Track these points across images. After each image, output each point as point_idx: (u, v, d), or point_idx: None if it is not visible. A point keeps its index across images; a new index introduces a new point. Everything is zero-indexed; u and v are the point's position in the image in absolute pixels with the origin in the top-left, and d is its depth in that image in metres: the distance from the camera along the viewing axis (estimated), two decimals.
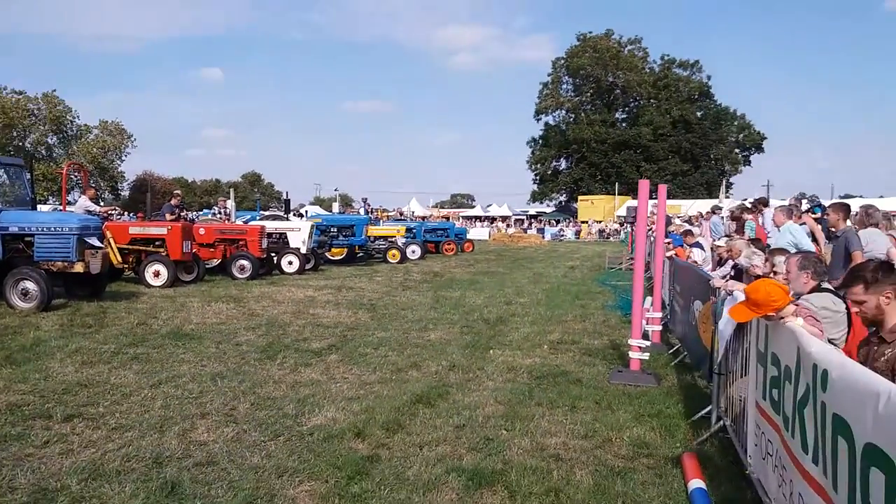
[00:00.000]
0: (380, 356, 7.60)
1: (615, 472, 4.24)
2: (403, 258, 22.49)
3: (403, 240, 24.17)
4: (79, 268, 10.86)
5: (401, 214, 36.86)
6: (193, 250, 14.96)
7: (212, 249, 16.26)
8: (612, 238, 48.66)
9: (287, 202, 22.71)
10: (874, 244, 7.21)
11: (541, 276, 18.31)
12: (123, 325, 9.27)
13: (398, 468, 4.27)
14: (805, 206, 12.62)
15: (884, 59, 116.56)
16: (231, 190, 24.94)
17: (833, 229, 7.84)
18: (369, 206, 28.10)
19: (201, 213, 26.49)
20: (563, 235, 53.03)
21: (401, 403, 5.64)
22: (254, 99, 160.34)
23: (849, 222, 7.77)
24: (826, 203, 11.41)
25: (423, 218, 41.20)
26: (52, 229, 10.89)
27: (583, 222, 57.45)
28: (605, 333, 9.35)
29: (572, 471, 4.26)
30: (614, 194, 57.55)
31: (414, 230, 26.94)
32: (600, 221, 55.97)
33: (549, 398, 5.94)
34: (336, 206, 32.49)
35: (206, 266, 15.76)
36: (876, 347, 3.18)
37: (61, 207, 18.36)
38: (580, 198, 63.47)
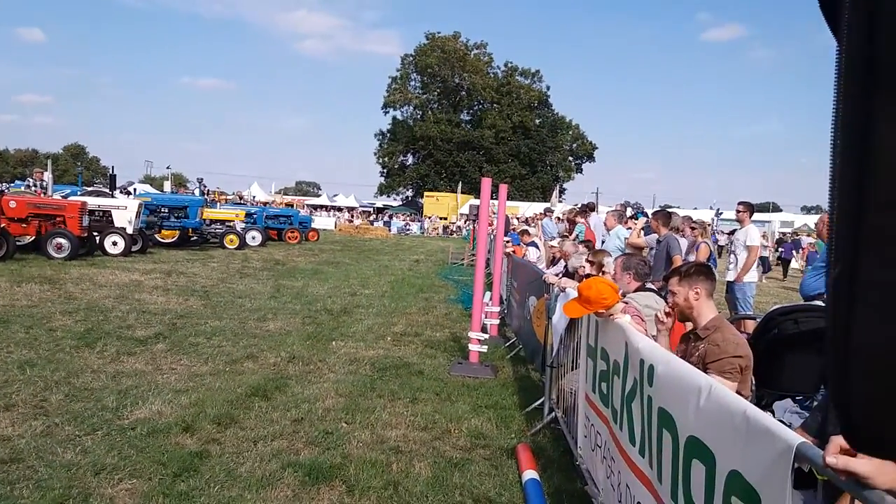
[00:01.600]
0: (213, 346, 7.22)
1: (453, 463, 4.31)
2: (242, 244, 21.61)
3: (243, 225, 23.21)
4: None
5: (240, 198, 35.42)
6: (2, 225, 13.43)
7: (24, 225, 14.67)
8: (455, 234, 49.84)
9: (113, 178, 20.97)
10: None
11: (386, 269, 18.33)
12: None
13: (230, 464, 4.06)
14: (629, 212, 13.61)
15: (702, 83, 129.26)
16: (49, 161, 22.69)
17: (656, 235, 8.50)
18: (205, 187, 26.58)
19: (13, 184, 23.81)
20: (408, 230, 53.57)
21: (234, 396, 5.39)
22: (80, 65, 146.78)
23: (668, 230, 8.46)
24: (649, 212, 12.37)
25: (266, 203, 39.87)
26: None
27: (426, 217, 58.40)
28: (447, 326, 9.52)
29: (411, 463, 4.27)
30: (458, 192, 59.04)
31: (255, 215, 25.93)
32: (444, 218, 57.18)
33: (390, 390, 5.93)
34: (168, 185, 30.58)
35: (17, 243, 14.19)
36: (693, 343, 3.46)
37: None
38: (426, 194, 64.44)
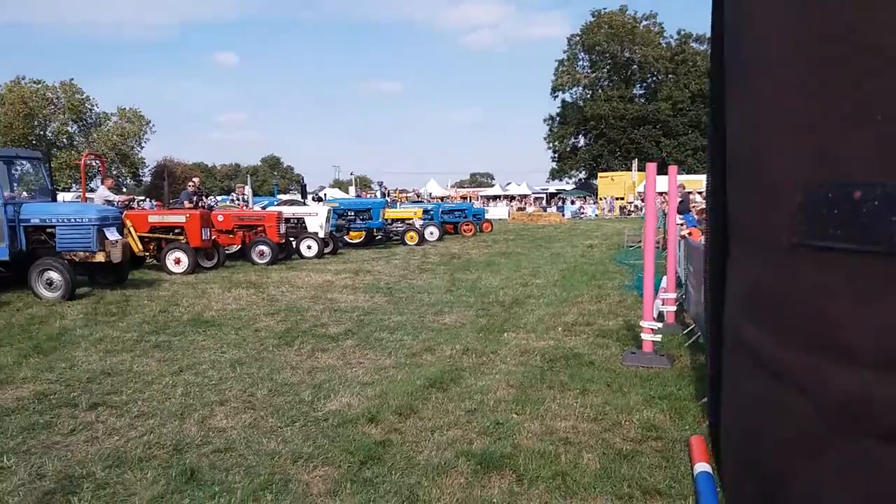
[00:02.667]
0: (395, 340, 7.72)
1: (623, 455, 4.32)
2: (421, 240, 22.61)
3: (421, 221, 24.26)
4: (100, 257, 11.10)
5: (418, 196, 36.91)
6: (213, 237, 15.17)
7: (231, 236, 16.48)
8: (633, 215, 48.37)
9: (304, 187, 22.85)
10: None
11: (558, 256, 18.32)
12: (146, 313, 9.48)
13: (409, 453, 4.38)
14: None
15: None
16: (249, 176, 25.12)
17: None
18: (386, 188, 28.20)
19: (220, 198, 26.71)
20: (583, 213, 52.83)
21: (414, 388, 5.75)
22: (270, 82, 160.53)
23: None
24: None
25: (442, 199, 41.20)
26: (73, 220, 11.12)
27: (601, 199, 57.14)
28: (621, 314, 9.38)
29: (580, 454, 4.35)
30: (633, 170, 57.14)
31: (431, 212, 27.00)
32: (620, 198, 55.66)
33: (560, 381, 6.02)
34: (352, 190, 32.62)
35: (226, 252, 15.97)
36: None
37: (81, 196, 18.65)
38: (600, 174, 63.11)
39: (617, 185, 58.68)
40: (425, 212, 26.08)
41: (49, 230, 11.20)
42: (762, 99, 0.44)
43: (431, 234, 24.31)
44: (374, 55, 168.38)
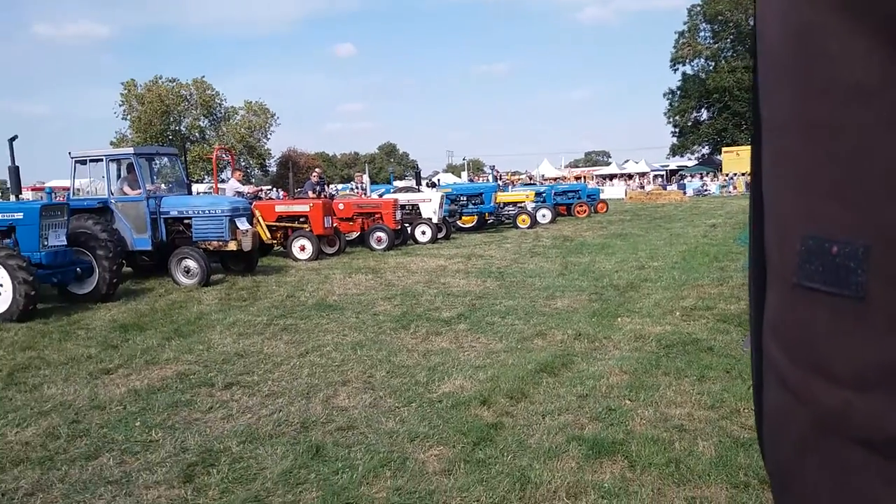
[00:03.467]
0: (506, 325, 7.82)
1: (740, 443, 4.22)
2: (534, 223, 22.53)
3: (533, 204, 24.16)
4: (232, 246, 11.89)
5: (530, 178, 36.67)
6: (334, 225, 15.84)
7: (351, 223, 17.14)
8: None
9: (418, 173, 23.34)
10: None
11: (678, 237, 17.74)
12: (274, 298, 10.09)
13: (521, 436, 4.48)
14: None
15: None
16: (367, 164, 25.92)
17: None
18: (498, 172, 28.26)
19: (340, 187, 27.76)
20: (706, 190, 50.63)
21: (525, 372, 5.83)
22: (385, 71, 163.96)
23: None
24: None
25: (555, 180, 40.73)
26: (207, 212, 11.96)
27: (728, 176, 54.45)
28: (743, 298, 9.00)
29: (695, 441, 4.28)
30: None
31: (544, 194, 26.81)
32: (746, 174, 52.84)
33: (676, 367, 5.90)
34: (465, 174, 32.92)
35: (347, 239, 16.64)
36: None
37: (213, 188, 19.96)
38: (724, 150, 60.12)
39: (743, 160, 55.57)
40: (537, 194, 25.94)
41: (186, 221, 12.11)
42: (777, 156, 0.53)
43: (544, 216, 24.15)
44: (485, 38, 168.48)
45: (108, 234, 10.60)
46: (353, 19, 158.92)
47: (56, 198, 13.13)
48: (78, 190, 12.73)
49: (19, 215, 9.52)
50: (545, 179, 39.62)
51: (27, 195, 29.73)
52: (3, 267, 8.73)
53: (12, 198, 11.24)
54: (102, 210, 11.74)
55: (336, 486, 3.85)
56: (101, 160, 12.16)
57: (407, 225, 18.15)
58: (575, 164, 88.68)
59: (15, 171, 10.54)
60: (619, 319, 7.91)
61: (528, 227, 22.05)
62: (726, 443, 4.25)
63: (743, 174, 52.46)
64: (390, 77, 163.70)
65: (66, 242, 9.81)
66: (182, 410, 5.20)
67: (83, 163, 12.37)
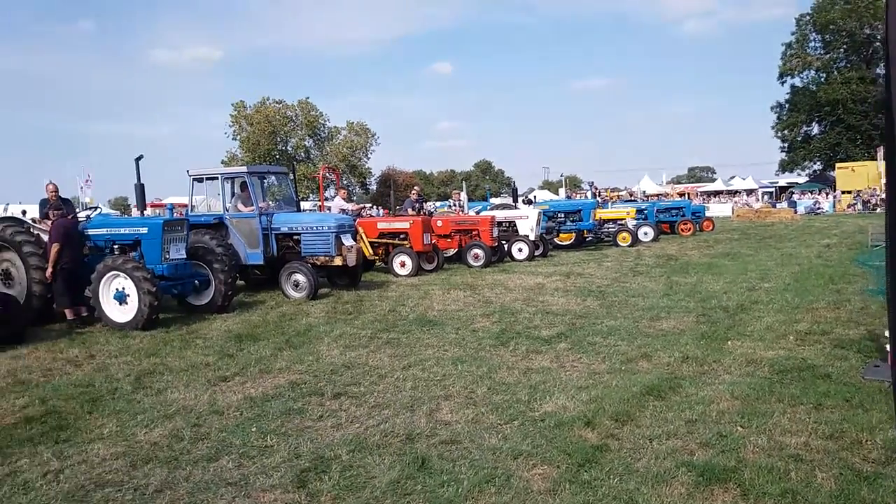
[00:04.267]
0: (609, 345, 7.70)
1: (863, 476, 3.99)
2: (635, 241, 22.07)
3: (634, 221, 23.68)
4: (338, 261, 12.31)
5: (630, 195, 35.94)
6: (433, 241, 16.09)
7: (449, 240, 17.37)
8: (878, 209, 43.03)
9: (515, 190, 23.37)
10: None
11: (790, 257, 16.90)
12: (377, 312, 10.35)
13: (627, 459, 4.40)
14: None
15: None
16: (464, 182, 26.19)
17: None
18: (596, 188, 27.88)
19: (438, 205, 28.18)
20: (819, 209, 48.00)
21: (630, 395, 5.72)
22: (482, 88, 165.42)
23: None
24: None
25: (657, 196, 39.74)
26: (315, 228, 12.45)
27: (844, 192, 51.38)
28: (863, 322, 8.49)
29: (813, 473, 4.08)
30: (878, 159, 50.65)
31: (645, 211, 26.23)
32: (863, 191, 49.70)
33: (791, 394, 5.64)
34: (562, 191, 32.63)
35: (445, 255, 16.86)
36: None
37: (320, 206, 20.71)
38: (838, 165, 56.79)
39: (859, 176, 52.36)
40: (639, 211, 25.42)
41: (295, 237, 12.64)
42: None
43: (645, 234, 23.61)
44: (583, 53, 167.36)
45: (224, 249, 11.23)
46: (451, 38, 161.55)
47: (175, 214, 14.01)
48: (193, 206, 13.52)
49: (144, 230, 10.22)
50: (646, 196, 38.74)
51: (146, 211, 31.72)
52: (129, 278, 9.40)
53: (134, 212, 12.09)
54: (218, 225, 12.45)
55: (442, 498, 3.92)
56: (217, 178, 12.90)
57: (504, 242, 18.20)
58: (677, 181, 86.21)
59: (141, 189, 11.35)
60: (728, 343, 7.63)
61: (629, 246, 21.61)
62: (847, 476, 4.03)
63: (860, 191, 49.37)
64: (486, 95, 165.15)
65: (185, 256, 10.46)
66: (294, 418, 5.43)
67: (200, 181, 13.16)
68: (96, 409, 5.80)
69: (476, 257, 16.55)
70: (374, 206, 36.30)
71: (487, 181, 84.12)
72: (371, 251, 15.17)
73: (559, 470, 4.26)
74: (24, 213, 16.45)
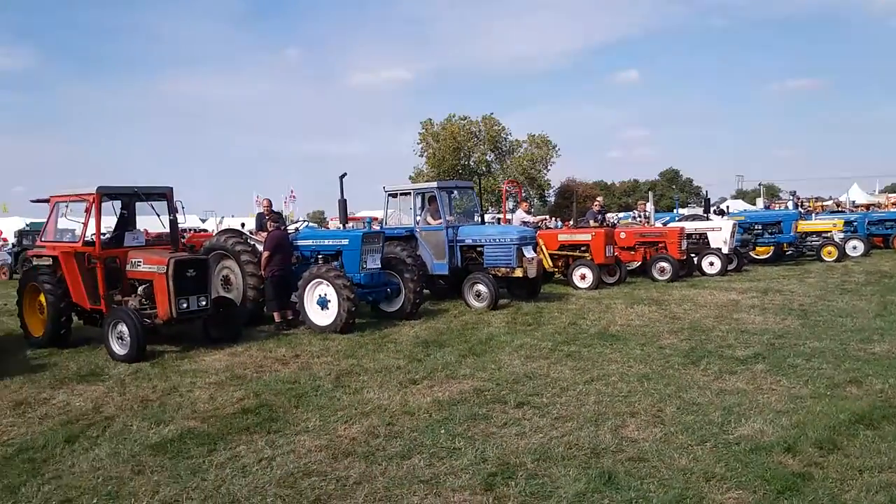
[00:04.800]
0: (812, 368, 7.12)
1: None
2: (841, 255, 20.11)
3: (841, 234, 21.59)
4: (518, 273, 12.47)
5: (837, 205, 32.79)
6: (615, 254, 15.77)
7: (632, 252, 16.92)
8: None
9: (707, 201, 22.21)
10: None
11: None
12: (557, 325, 10.36)
13: (833, 490, 4.08)
14: None
15: None
16: (649, 192, 25.39)
17: None
18: (798, 199, 25.73)
19: (621, 216, 27.55)
20: None
21: (837, 422, 5.27)
22: (669, 95, 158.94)
23: None
24: None
25: (868, 207, 35.93)
26: (497, 241, 12.72)
27: None
28: None
29: None
30: None
31: (855, 223, 23.80)
32: None
33: None
34: (760, 201, 30.49)
35: (628, 268, 16.44)
36: None
37: (502, 219, 21.09)
38: None
39: None
40: (847, 223, 23.11)
41: (479, 249, 12.99)
42: None
43: (854, 248, 21.43)
44: (781, 54, 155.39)
45: (413, 260, 11.84)
46: (638, 45, 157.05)
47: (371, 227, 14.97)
48: (382, 220, 14.33)
49: (345, 241, 11.06)
50: (856, 206, 35.12)
51: (334, 224, 33.93)
52: (331, 285, 10.20)
53: (331, 225, 13.06)
54: (409, 238, 13.13)
55: None
56: (409, 193, 13.62)
57: (693, 255, 17.38)
58: (892, 189, 77.22)
59: (343, 204, 12.26)
60: None
61: (835, 261, 19.74)
62: None
63: None
64: (674, 101, 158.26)
65: (380, 266, 11.16)
66: (480, 423, 5.62)
67: (394, 195, 13.97)
68: (302, 404, 6.37)
69: (662, 271, 15.97)
70: (554, 218, 36.22)
71: (675, 191, 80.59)
72: (551, 263, 15.18)
73: (756, 496, 4.05)
74: (242, 225, 18.41)
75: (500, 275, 12.66)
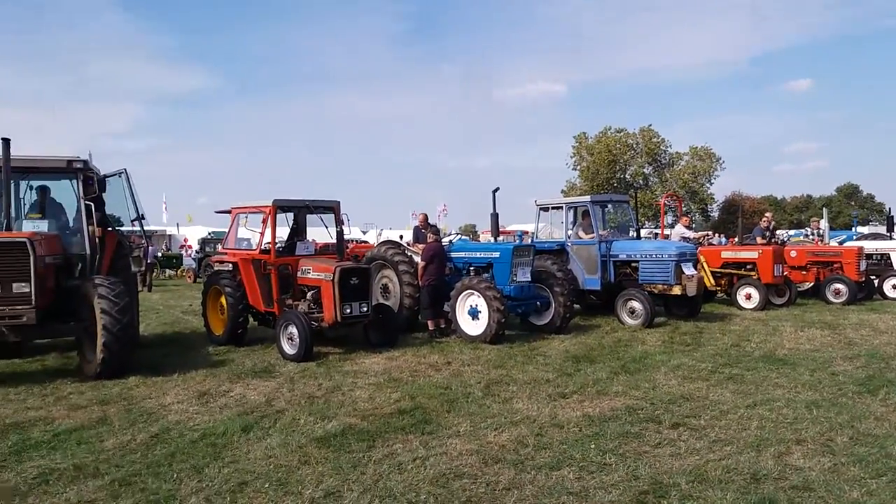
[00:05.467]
0: None
1: None
2: None
3: None
4: (676, 290, 12.05)
5: None
6: (785, 273, 14.80)
7: (804, 272, 15.79)
8: None
9: (890, 219, 20.19)
10: None
11: None
12: (718, 346, 9.90)
13: None
14: None
15: None
16: (824, 208, 23.52)
17: None
18: None
19: (791, 233, 25.71)
20: None
21: None
22: (848, 104, 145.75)
23: None
24: None
25: None
26: (654, 256, 12.37)
27: None
28: None
29: None
30: None
31: None
32: None
33: None
34: None
35: (798, 289, 15.35)
36: None
37: (659, 234, 20.43)
38: None
39: None
40: None
41: (633, 264, 12.71)
42: None
43: None
44: None
45: (564, 274, 11.79)
46: (814, 51, 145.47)
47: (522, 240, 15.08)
48: (533, 233, 14.39)
49: (496, 254, 11.26)
50: None
51: (484, 237, 34.26)
52: (482, 296, 10.41)
53: (482, 238, 13.30)
54: (559, 252, 13.10)
55: None
56: (562, 207, 13.60)
57: (873, 277, 15.90)
58: None
59: (495, 217, 12.50)
60: None
61: None
62: None
63: None
64: (854, 111, 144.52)
65: (531, 279, 11.24)
66: (632, 441, 5.52)
67: (546, 209, 14.02)
68: (453, 409, 6.57)
69: (837, 293, 14.75)
70: (717, 234, 34.45)
71: (853, 207, 73.81)
72: (713, 281, 14.49)
73: None
74: (401, 237, 19.22)
75: (656, 292, 12.31)
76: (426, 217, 13.60)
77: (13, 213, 8.72)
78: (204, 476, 4.89)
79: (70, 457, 5.29)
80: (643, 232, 32.78)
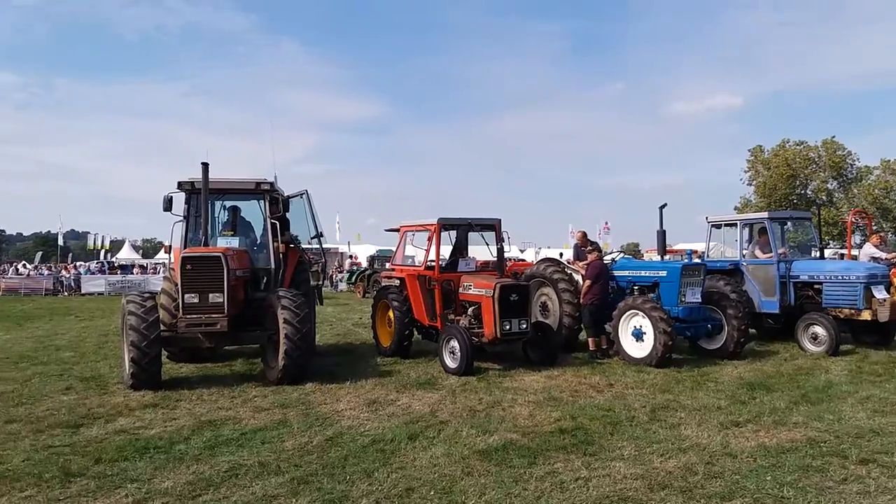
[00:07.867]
0: None
1: None
2: None
3: None
4: (866, 315, 10.99)
5: None
6: None
7: None
8: None
9: None
10: None
11: None
12: None
13: None
14: None
15: None
16: None
17: None
18: None
19: None
20: None
21: None
22: None
23: None
24: None
25: None
26: (840, 277, 11.37)
27: None
28: None
29: None
30: None
31: None
32: None
33: None
34: None
35: None
36: None
37: (845, 254, 18.72)
38: None
39: None
40: None
41: (816, 286, 11.73)
42: None
43: None
44: None
45: (738, 295, 11.11)
46: None
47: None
48: (703, 252, 13.70)
49: (663, 273, 10.86)
50: None
51: (648, 256, 32.99)
52: (647, 317, 10.08)
53: (646, 257, 12.88)
54: (733, 272, 12.39)
55: None
56: (736, 224, 12.88)
57: None
58: None
59: (662, 235, 12.08)
60: None
61: None
62: None
63: None
64: None
65: (701, 300, 10.72)
66: (814, 475, 5.12)
67: (718, 227, 13.33)
68: (616, 432, 6.43)
69: None
70: None
71: None
72: None
73: None
74: (560, 255, 19.10)
75: (842, 316, 11.27)
76: (585, 234, 13.42)
77: (210, 231, 9.71)
78: (374, 479, 5.14)
79: (255, 454, 5.79)
80: (827, 252, 30.18)
